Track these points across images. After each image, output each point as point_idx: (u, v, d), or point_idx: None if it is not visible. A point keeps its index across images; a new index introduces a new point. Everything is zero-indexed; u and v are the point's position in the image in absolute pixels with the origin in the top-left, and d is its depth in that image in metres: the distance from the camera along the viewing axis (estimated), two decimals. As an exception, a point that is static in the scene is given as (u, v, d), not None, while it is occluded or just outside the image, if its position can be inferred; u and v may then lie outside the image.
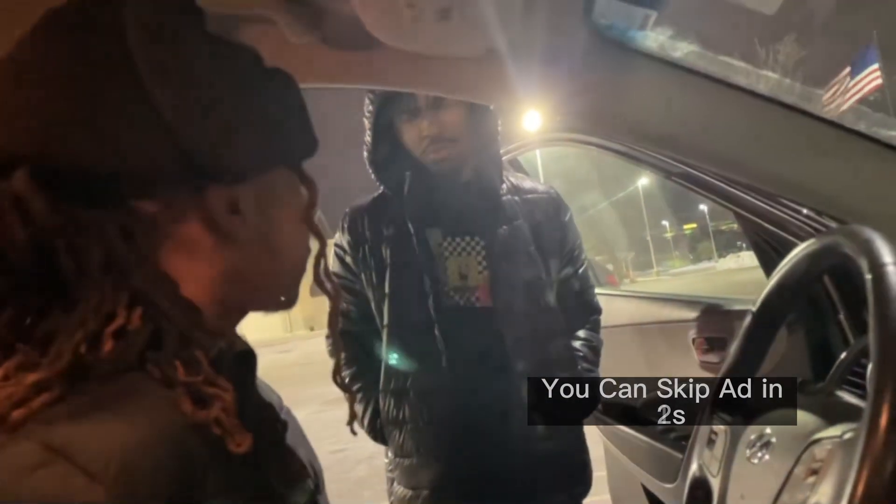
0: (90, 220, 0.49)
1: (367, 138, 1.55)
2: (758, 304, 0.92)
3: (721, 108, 1.04)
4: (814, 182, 1.06)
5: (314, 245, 0.69)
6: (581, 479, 1.62)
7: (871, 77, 19.33)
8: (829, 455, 0.61)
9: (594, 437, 2.08)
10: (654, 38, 1.02)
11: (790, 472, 0.66)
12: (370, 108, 1.51)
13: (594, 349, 1.69)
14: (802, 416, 0.74)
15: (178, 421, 0.47)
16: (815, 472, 0.62)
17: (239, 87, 0.57)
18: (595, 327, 1.73)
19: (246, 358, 0.61)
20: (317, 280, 0.70)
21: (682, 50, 1.02)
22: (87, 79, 0.50)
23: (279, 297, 0.66)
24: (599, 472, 2.08)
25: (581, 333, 1.69)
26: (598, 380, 1.68)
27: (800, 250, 0.83)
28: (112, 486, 0.41)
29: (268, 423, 0.62)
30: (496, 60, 1.00)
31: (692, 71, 1.02)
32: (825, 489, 0.59)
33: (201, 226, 0.56)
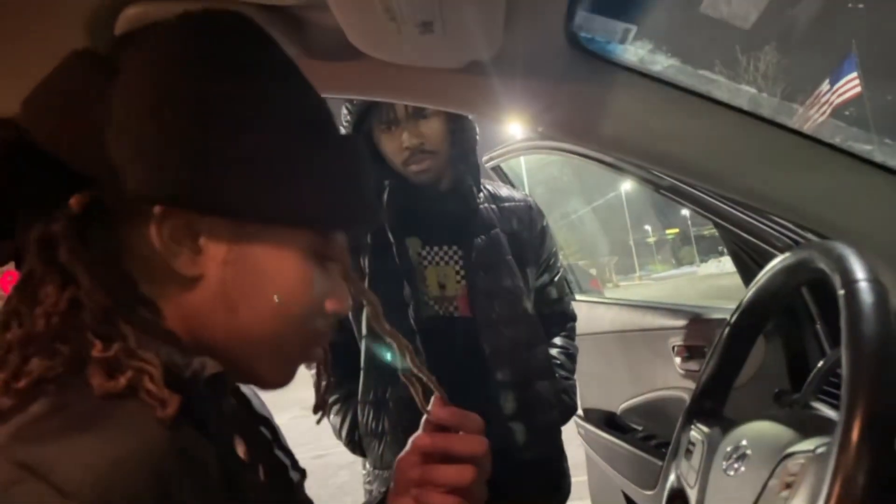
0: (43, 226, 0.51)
1: None
2: (735, 315, 0.93)
3: (700, 122, 1.05)
4: (791, 196, 1.07)
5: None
6: (560, 486, 1.62)
7: (850, 85, 19.63)
8: (802, 469, 0.62)
9: (574, 441, 2.09)
10: (634, 52, 1.03)
11: (765, 485, 0.66)
12: (348, 118, 1.50)
13: (571, 356, 1.70)
14: (778, 428, 0.75)
15: (155, 437, 0.47)
16: (788, 486, 0.62)
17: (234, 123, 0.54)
18: (571, 334, 1.74)
19: (217, 380, 0.60)
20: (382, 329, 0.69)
21: (662, 64, 1.03)
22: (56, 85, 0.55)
23: (256, 375, 0.61)
24: (580, 478, 2.09)
25: (557, 341, 1.70)
26: (576, 387, 1.69)
27: (776, 263, 0.84)
28: None
29: (254, 437, 0.62)
30: (477, 72, 1.01)
31: (672, 84, 1.03)
32: (798, 503, 0.60)
33: (152, 247, 0.54)
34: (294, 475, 0.67)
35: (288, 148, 0.55)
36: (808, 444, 0.65)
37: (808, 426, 0.72)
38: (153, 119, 0.51)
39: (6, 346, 0.48)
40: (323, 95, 1.15)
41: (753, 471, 0.71)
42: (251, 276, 0.56)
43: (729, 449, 0.79)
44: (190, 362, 0.53)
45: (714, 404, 0.96)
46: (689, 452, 0.92)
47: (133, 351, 0.50)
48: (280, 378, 0.62)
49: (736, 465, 0.76)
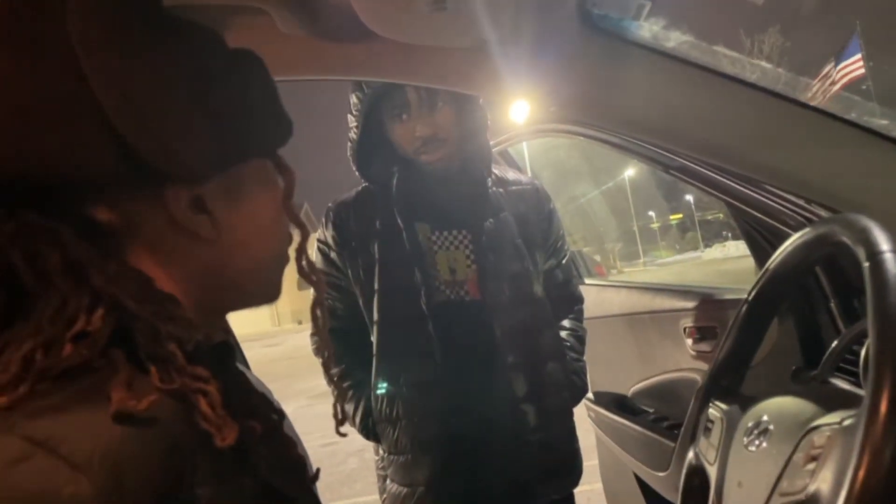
0: (43, 226, 0.48)
1: (353, 135, 1.53)
2: (752, 292, 0.93)
3: (713, 99, 1.04)
4: (805, 171, 1.07)
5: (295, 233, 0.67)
6: (572, 468, 1.62)
7: (854, 66, 19.52)
8: (829, 442, 0.61)
9: (585, 425, 2.09)
10: (648, 29, 1.02)
11: (789, 459, 0.66)
12: (359, 106, 1.49)
13: (580, 339, 1.70)
14: (800, 403, 0.74)
15: (164, 409, 0.46)
16: (814, 458, 0.62)
17: (197, 78, 0.54)
18: (579, 317, 1.74)
19: (223, 348, 0.60)
20: (300, 272, 0.69)
21: (675, 40, 1.02)
22: (26, 77, 0.47)
23: (260, 293, 0.65)
24: (591, 461, 2.10)
25: (566, 323, 1.70)
26: (586, 368, 1.69)
27: (795, 239, 0.84)
28: (97, 478, 0.41)
29: (261, 412, 0.62)
30: (489, 50, 1.00)
31: (685, 61, 1.02)
32: (825, 475, 0.59)
33: (167, 226, 0.54)
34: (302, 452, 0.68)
35: (210, 91, 0.55)
36: (833, 418, 0.64)
37: (831, 400, 0.72)
38: (149, 100, 0.50)
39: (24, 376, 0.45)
40: (332, 78, 1.16)
41: (776, 445, 0.71)
42: (250, 213, 0.60)
43: (750, 425, 0.79)
44: (193, 334, 0.53)
45: (731, 382, 0.96)
46: (707, 430, 0.91)
47: (184, 368, 0.49)
48: (279, 289, 0.67)
49: (757, 441, 0.76)
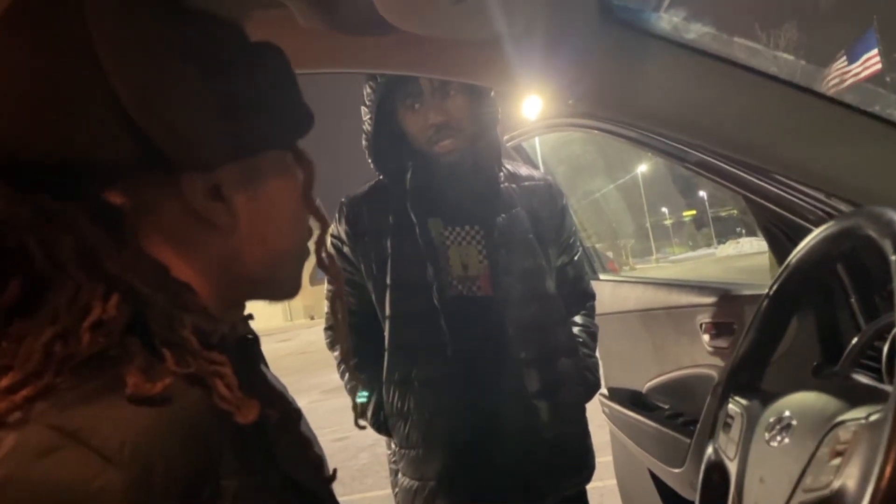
0: (57, 210, 0.48)
1: (367, 127, 1.53)
2: (774, 286, 0.92)
3: (734, 92, 1.03)
4: (826, 165, 1.05)
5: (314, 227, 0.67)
6: (585, 464, 1.62)
7: (871, 62, 19.27)
8: (855, 437, 0.61)
9: (599, 421, 2.09)
10: (668, 21, 1.01)
11: (813, 455, 0.65)
12: (372, 96, 1.49)
13: (592, 335, 1.70)
14: (823, 398, 0.73)
15: (192, 400, 0.47)
16: (839, 454, 0.61)
17: (213, 68, 0.54)
18: (591, 313, 1.74)
19: (249, 342, 0.61)
20: (320, 264, 0.68)
21: (696, 32, 1.01)
22: (40, 62, 0.47)
23: (279, 287, 0.65)
24: (605, 458, 2.09)
25: (578, 319, 1.70)
26: (598, 364, 1.69)
27: (818, 233, 0.83)
28: (127, 469, 0.41)
29: (280, 408, 0.62)
30: (507, 43, 1.00)
31: (706, 53, 1.01)
32: (851, 471, 0.59)
33: (183, 214, 0.54)
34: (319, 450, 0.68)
35: (226, 81, 0.55)
36: (858, 413, 0.64)
37: (856, 396, 0.71)
38: (163, 88, 0.51)
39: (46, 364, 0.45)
40: (349, 71, 1.15)
41: (799, 441, 0.70)
42: (268, 203, 0.59)
43: (772, 420, 0.78)
44: (218, 327, 0.53)
45: (752, 377, 0.95)
46: (727, 426, 0.91)
47: (199, 352, 0.49)
48: (299, 284, 0.66)
49: (780, 437, 0.75)
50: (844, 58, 19.56)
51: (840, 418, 0.65)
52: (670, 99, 1.04)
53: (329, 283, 1.61)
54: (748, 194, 1.45)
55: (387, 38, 1.01)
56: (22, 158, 0.47)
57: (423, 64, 1.12)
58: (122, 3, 0.50)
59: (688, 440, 1.72)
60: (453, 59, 1.07)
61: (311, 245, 0.68)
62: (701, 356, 1.81)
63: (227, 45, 0.57)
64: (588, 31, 0.99)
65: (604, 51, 1.01)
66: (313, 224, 0.68)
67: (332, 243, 1.62)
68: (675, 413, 1.96)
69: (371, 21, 0.94)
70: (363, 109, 1.53)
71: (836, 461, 0.61)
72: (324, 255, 0.69)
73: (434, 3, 0.87)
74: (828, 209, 1.31)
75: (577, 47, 1.01)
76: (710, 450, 0.93)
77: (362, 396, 1.58)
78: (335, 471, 0.68)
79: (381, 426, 1.58)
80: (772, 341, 0.96)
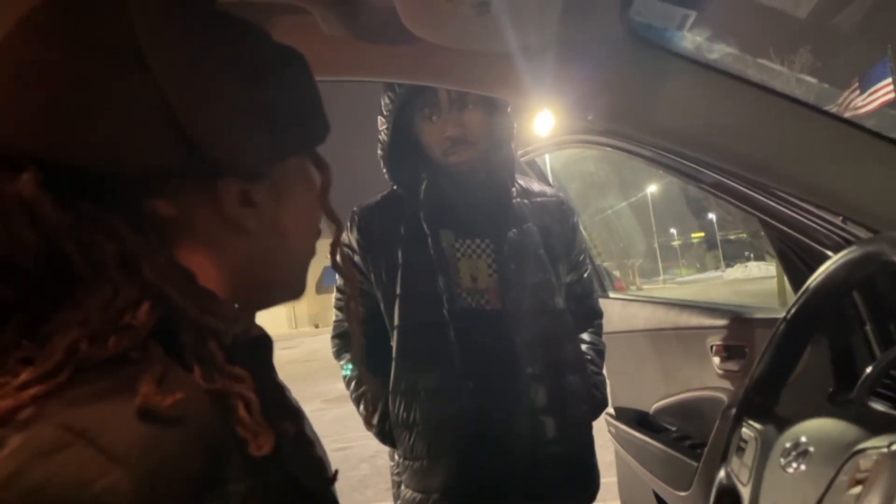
0: (100, 217, 0.48)
1: (383, 136, 1.54)
2: (792, 310, 0.91)
3: (755, 113, 1.03)
4: (846, 189, 1.05)
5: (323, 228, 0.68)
6: (589, 483, 1.60)
7: (884, 91, 19.24)
8: (876, 466, 0.60)
9: (603, 441, 2.07)
10: (691, 40, 1.01)
11: (831, 482, 0.64)
12: (390, 106, 1.50)
13: (600, 353, 1.69)
14: (841, 425, 0.72)
15: (202, 403, 0.46)
16: (859, 482, 0.60)
17: (252, 74, 0.54)
18: (598, 331, 1.73)
19: (261, 343, 0.60)
20: (334, 266, 0.69)
21: (719, 52, 1.01)
22: (89, 69, 0.47)
23: (289, 287, 0.65)
24: (609, 478, 2.07)
25: (586, 337, 1.69)
26: (605, 382, 1.68)
27: (840, 257, 0.82)
28: (135, 470, 0.40)
29: (289, 410, 0.61)
30: (529, 56, 0.99)
31: (727, 74, 1.00)
32: (872, 499, 0.57)
33: (214, 220, 0.54)
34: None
35: (266, 87, 0.56)
36: (879, 441, 0.62)
37: (875, 423, 0.70)
38: (210, 94, 0.51)
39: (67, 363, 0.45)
40: (370, 79, 1.16)
41: (817, 468, 0.69)
42: (292, 207, 0.60)
43: (788, 445, 0.77)
44: (231, 327, 0.53)
45: (766, 401, 0.94)
46: (740, 450, 0.89)
47: (224, 367, 0.49)
48: (305, 284, 0.68)
49: (795, 463, 0.74)
50: (857, 86, 19.55)
51: (860, 446, 0.64)
52: (689, 118, 1.04)
53: (340, 288, 1.61)
54: (764, 217, 1.45)
55: (408, 47, 1.01)
56: (66, 165, 0.47)
57: (444, 75, 1.12)
58: (165, 6, 0.50)
59: (695, 463, 1.70)
60: (474, 71, 1.07)
61: (318, 246, 0.68)
62: (710, 379, 1.79)
63: (262, 51, 0.57)
64: (610, 48, 0.99)
65: (625, 67, 1.01)
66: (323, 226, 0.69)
67: (343, 252, 1.61)
68: (683, 435, 1.94)
69: (393, 30, 0.94)
70: (380, 119, 1.53)
71: (857, 489, 0.60)
72: (338, 257, 0.69)
73: (457, 14, 0.87)
74: (844, 234, 1.30)
75: (598, 63, 1.01)
76: (721, 474, 0.92)
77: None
78: (336, 472, 0.67)
79: (386, 436, 1.57)
80: (788, 365, 0.95)
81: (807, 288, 0.89)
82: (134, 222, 0.49)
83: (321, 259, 0.75)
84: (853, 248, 0.80)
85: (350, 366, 1.66)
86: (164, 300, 0.48)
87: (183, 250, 0.54)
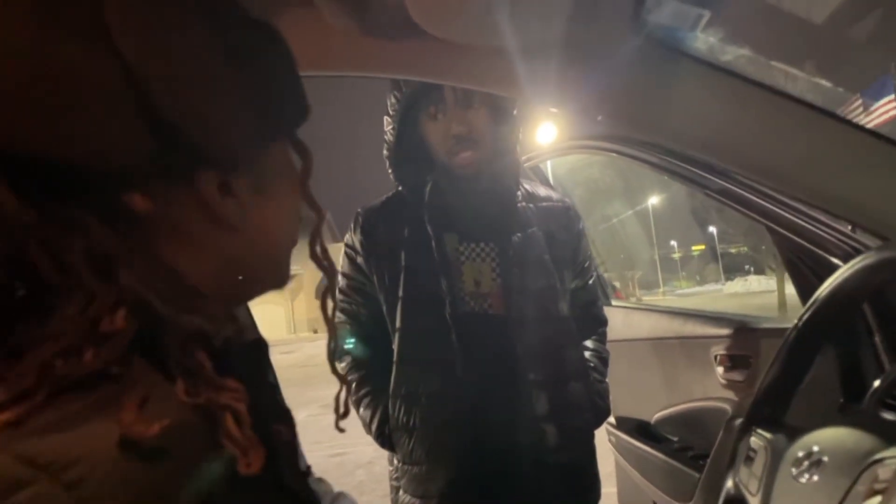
0: (68, 215, 0.43)
1: (389, 137, 1.52)
2: (804, 317, 0.89)
3: (768, 117, 1.01)
4: (858, 196, 1.03)
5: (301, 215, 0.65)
6: (590, 491, 1.58)
7: (887, 108, 19.25)
8: (895, 476, 0.57)
9: (603, 451, 2.04)
10: (704, 41, 0.99)
11: (847, 492, 0.62)
12: (396, 106, 1.48)
13: (603, 360, 1.67)
14: (855, 435, 0.70)
15: (177, 437, 0.41)
16: (878, 492, 0.58)
17: (230, 53, 0.50)
18: (602, 339, 1.71)
19: (257, 348, 0.57)
20: (312, 255, 0.65)
21: (732, 54, 0.99)
22: (56, 55, 0.42)
23: (271, 278, 0.62)
24: (610, 489, 2.04)
25: (589, 344, 1.67)
26: (608, 390, 1.65)
27: (853, 264, 0.80)
28: None
29: (283, 416, 0.59)
30: (538, 55, 0.98)
31: (740, 76, 0.99)
32: (892, 511, 0.55)
33: (194, 213, 0.51)
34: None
35: (259, 70, 0.53)
36: (897, 451, 0.60)
37: (890, 434, 0.68)
38: (187, 79, 0.47)
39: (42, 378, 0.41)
40: (376, 75, 1.14)
41: (831, 478, 0.67)
42: (273, 195, 0.57)
43: (800, 455, 0.75)
44: (221, 328, 0.50)
45: (775, 410, 0.92)
46: (749, 459, 0.87)
47: (213, 379, 0.45)
48: (288, 273, 0.64)
49: (808, 473, 0.72)
50: (860, 102, 19.55)
51: (878, 456, 0.62)
52: (701, 121, 1.02)
53: (344, 290, 1.59)
54: (772, 225, 1.43)
55: (416, 43, 1.00)
56: (28, 158, 0.43)
57: (451, 72, 1.10)
58: None
59: (697, 474, 1.67)
60: (482, 69, 1.06)
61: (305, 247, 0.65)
62: (714, 389, 1.77)
63: (240, 33, 0.53)
64: (622, 48, 0.97)
65: (636, 68, 1.00)
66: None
67: (346, 253, 1.60)
68: (685, 446, 1.91)
69: (401, 25, 0.93)
70: (386, 119, 1.52)
71: (875, 500, 0.58)
72: (318, 247, 0.65)
73: (467, 10, 0.86)
74: (854, 244, 1.28)
75: (609, 63, 0.99)
76: (729, 483, 0.89)
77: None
78: (309, 467, 0.65)
79: (385, 440, 1.55)
80: (797, 374, 0.93)
81: (818, 296, 0.87)
82: (107, 219, 0.45)
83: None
84: (868, 253, 0.78)
85: (346, 362, 1.63)
86: (143, 304, 0.44)
87: (163, 248, 0.50)
